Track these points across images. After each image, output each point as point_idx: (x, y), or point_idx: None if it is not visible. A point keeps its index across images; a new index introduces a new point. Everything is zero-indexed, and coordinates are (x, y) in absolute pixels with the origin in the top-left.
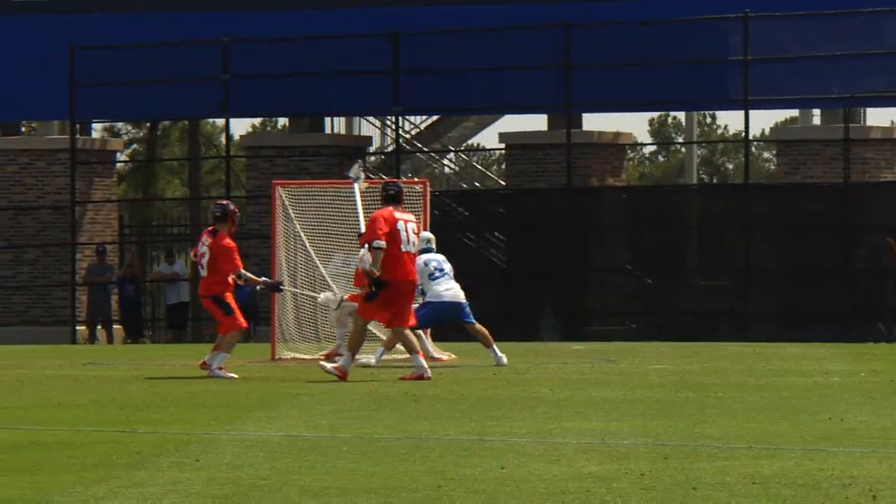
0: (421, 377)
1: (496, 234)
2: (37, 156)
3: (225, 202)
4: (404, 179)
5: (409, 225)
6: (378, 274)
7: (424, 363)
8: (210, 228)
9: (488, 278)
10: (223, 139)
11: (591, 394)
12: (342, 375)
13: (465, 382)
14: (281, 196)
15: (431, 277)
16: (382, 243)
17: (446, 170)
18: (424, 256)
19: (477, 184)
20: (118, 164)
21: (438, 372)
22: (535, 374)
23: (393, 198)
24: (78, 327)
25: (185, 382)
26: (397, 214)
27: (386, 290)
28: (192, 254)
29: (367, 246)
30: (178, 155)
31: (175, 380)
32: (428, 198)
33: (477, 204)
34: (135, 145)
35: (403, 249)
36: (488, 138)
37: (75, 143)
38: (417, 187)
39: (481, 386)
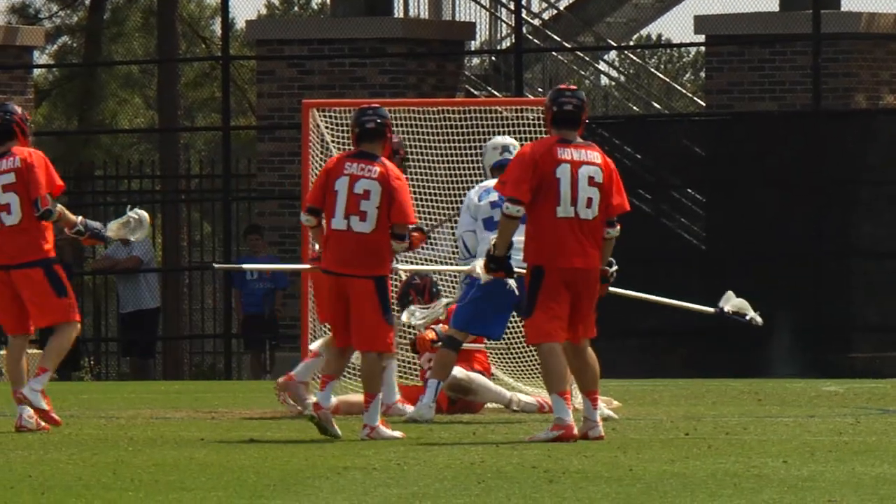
0: (564, 436)
1: (689, 190)
2: None
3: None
4: (529, 98)
5: (586, 171)
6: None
7: (569, 411)
8: None
9: (673, 264)
10: (217, 28)
11: (854, 469)
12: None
13: (634, 447)
14: (317, 124)
15: (488, 225)
16: (519, 207)
17: (603, 80)
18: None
19: (656, 105)
20: (37, 72)
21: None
22: (756, 432)
23: (567, 117)
24: None
25: (150, 446)
26: (562, 151)
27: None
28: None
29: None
30: (140, 55)
31: (132, 442)
32: None
33: (656, 138)
34: (65, 38)
35: (561, 215)
36: (675, 27)
37: None
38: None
39: (661, 452)
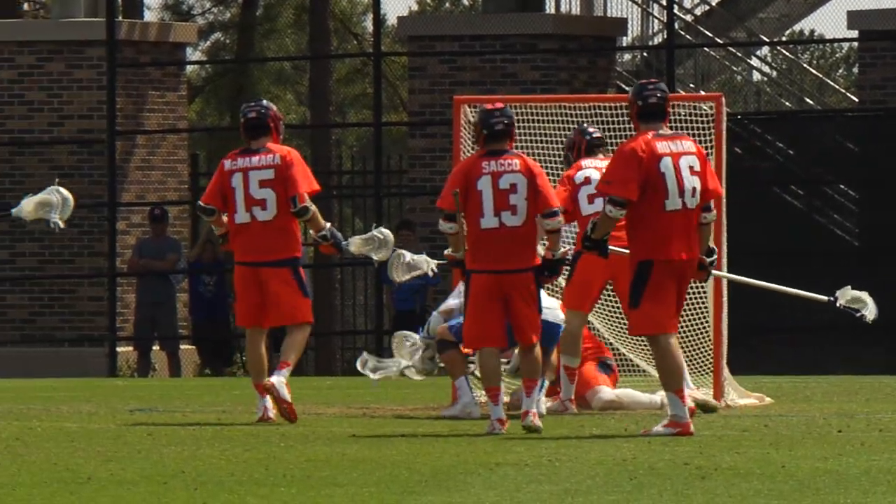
0: (682, 433)
1: (841, 186)
2: (49, 54)
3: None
4: (681, 94)
5: (686, 161)
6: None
7: (686, 408)
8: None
9: (826, 260)
10: (369, 24)
11: None
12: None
13: (786, 444)
14: (468, 120)
15: None
16: (623, 211)
17: (755, 76)
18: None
19: (808, 100)
20: (190, 69)
21: (732, 425)
22: None
23: (653, 110)
24: (120, 348)
25: (301, 442)
26: (660, 145)
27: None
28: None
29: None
30: (292, 51)
31: (284, 438)
32: (724, 124)
33: (808, 134)
34: (218, 34)
35: (669, 208)
36: (828, 22)
37: (115, 32)
38: (706, 105)
39: (814, 449)
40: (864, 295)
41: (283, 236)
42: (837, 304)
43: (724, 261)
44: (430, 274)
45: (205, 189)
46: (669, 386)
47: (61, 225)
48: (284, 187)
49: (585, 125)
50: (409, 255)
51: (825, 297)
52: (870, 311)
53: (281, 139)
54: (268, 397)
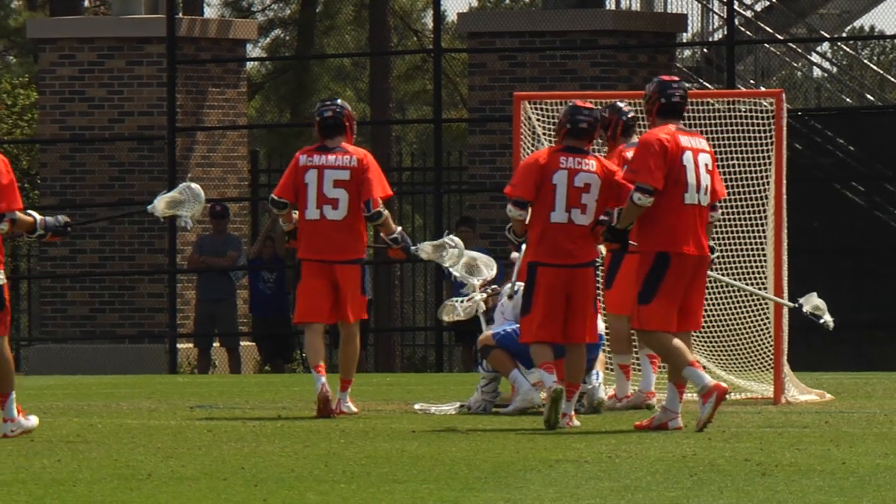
0: (719, 393)
1: None
2: (109, 50)
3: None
4: (742, 90)
5: (703, 158)
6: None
7: (704, 375)
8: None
9: (886, 255)
10: (429, 20)
11: None
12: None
13: (847, 441)
14: (528, 117)
15: None
16: (651, 199)
17: (816, 72)
18: None
19: (869, 96)
20: (249, 65)
21: (793, 421)
22: None
23: (674, 108)
24: (181, 345)
25: (361, 438)
26: (683, 139)
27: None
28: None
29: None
30: (352, 48)
31: (344, 434)
32: (784, 120)
33: (869, 130)
34: (278, 31)
35: (688, 201)
36: (889, 18)
37: (175, 29)
38: (766, 102)
39: (875, 446)
40: (823, 303)
41: (351, 236)
42: (803, 311)
43: (784, 257)
44: (480, 315)
45: (265, 185)
46: (677, 375)
47: (191, 224)
48: (358, 189)
49: (620, 104)
50: (459, 307)
51: (792, 303)
52: (829, 318)
53: (354, 139)
54: (324, 375)
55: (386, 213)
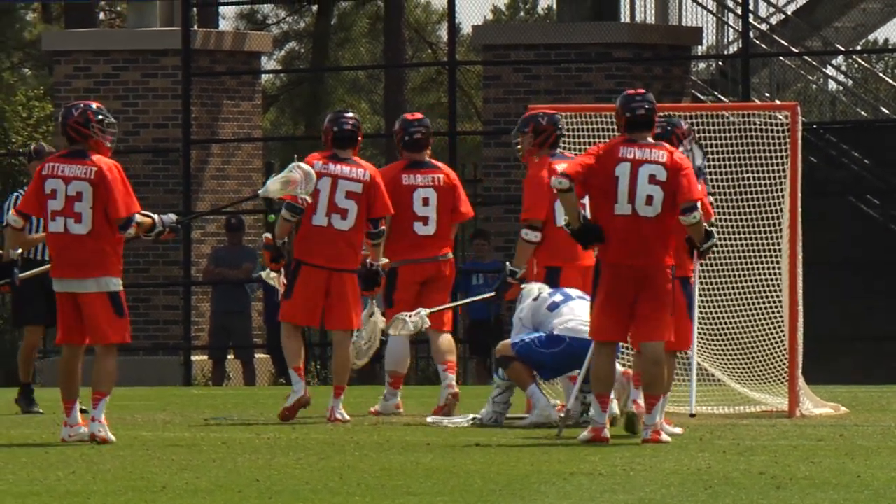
0: (596, 436)
1: None
2: (124, 63)
3: None
4: (757, 103)
5: (648, 169)
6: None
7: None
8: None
9: None
10: (444, 33)
11: None
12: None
13: (862, 454)
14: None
15: None
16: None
17: (832, 85)
18: None
19: (884, 109)
20: (265, 77)
21: (808, 434)
22: None
23: (641, 120)
24: (195, 357)
25: (376, 451)
26: (624, 150)
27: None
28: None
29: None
30: (367, 61)
31: (359, 447)
32: (799, 133)
33: (884, 143)
34: (293, 43)
35: (619, 212)
36: None
37: (190, 42)
38: (781, 115)
39: (890, 459)
40: None
41: (352, 247)
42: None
43: (800, 269)
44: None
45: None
46: (596, 389)
47: (308, 199)
48: (368, 203)
49: (558, 116)
50: (409, 322)
51: None
52: None
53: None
54: (303, 381)
55: (385, 233)
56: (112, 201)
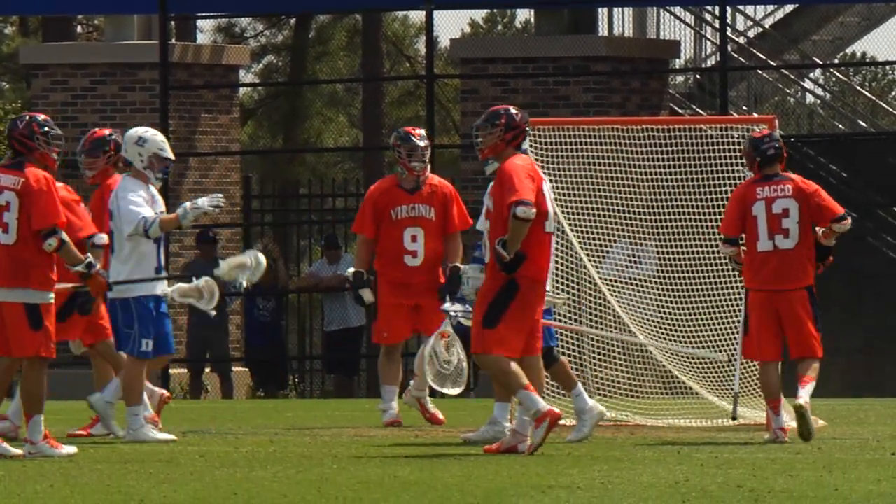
0: (515, 447)
1: (895, 209)
2: (102, 76)
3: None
4: (734, 116)
5: (548, 187)
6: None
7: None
8: None
9: (879, 282)
10: (421, 47)
11: None
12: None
13: (839, 467)
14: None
15: None
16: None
17: (809, 98)
18: None
19: (862, 122)
20: (242, 91)
21: (785, 448)
22: None
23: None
24: (172, 370)
25: (353, 464)
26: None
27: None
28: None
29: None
30: (345, 74)
31: (336, 460)
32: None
33: (862, 157)
34: (270, 57)
35: (548, 230)
36: (881, 44)
37: (168, 55)
38: (759, 128)
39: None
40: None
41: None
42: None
43: None
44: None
45: (258, 211)
46: (514, 389)
47: (245, 285)
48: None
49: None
50: (436, 358)
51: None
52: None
53: None
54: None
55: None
56: (33, 212)
